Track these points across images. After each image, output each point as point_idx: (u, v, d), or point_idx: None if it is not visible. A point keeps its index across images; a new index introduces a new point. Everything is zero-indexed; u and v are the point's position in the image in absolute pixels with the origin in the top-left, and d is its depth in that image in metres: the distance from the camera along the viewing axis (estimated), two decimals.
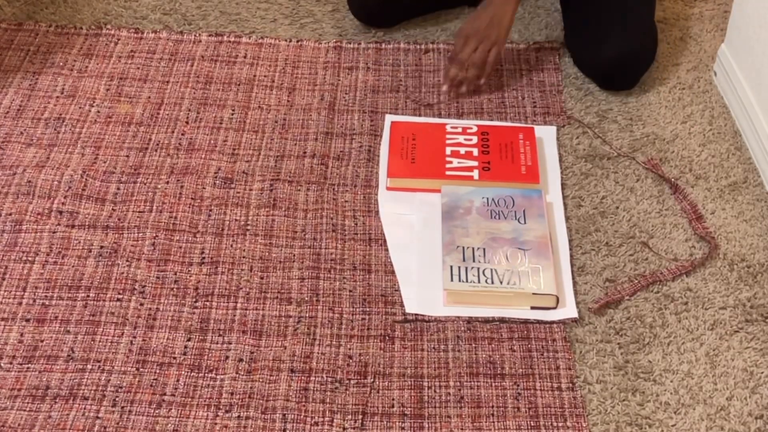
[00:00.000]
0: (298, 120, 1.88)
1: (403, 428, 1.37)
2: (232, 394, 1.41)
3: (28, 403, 1.39)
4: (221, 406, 1.39)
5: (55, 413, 1.38)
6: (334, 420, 1.38)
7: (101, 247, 1.61)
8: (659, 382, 1.43)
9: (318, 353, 1.46)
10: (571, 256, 1.62)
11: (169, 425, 1.37)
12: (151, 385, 1.42)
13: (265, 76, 1.98)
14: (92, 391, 1.41)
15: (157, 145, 1.81)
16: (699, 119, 1.89)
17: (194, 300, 1.54)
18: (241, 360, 1.45)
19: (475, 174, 1.73)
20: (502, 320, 1.51)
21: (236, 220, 1.67)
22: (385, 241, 1.64)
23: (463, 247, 1.58)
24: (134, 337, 1.48)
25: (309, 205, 1.70)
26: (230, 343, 1.48)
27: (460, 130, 1.81)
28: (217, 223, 1.66)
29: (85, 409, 1.38)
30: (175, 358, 1.45)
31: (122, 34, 2.07)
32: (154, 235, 1.63)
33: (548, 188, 1.73)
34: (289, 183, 1.74)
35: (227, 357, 1.46)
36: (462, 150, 1.77)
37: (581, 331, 1.50)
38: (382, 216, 1.68)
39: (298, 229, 1.65)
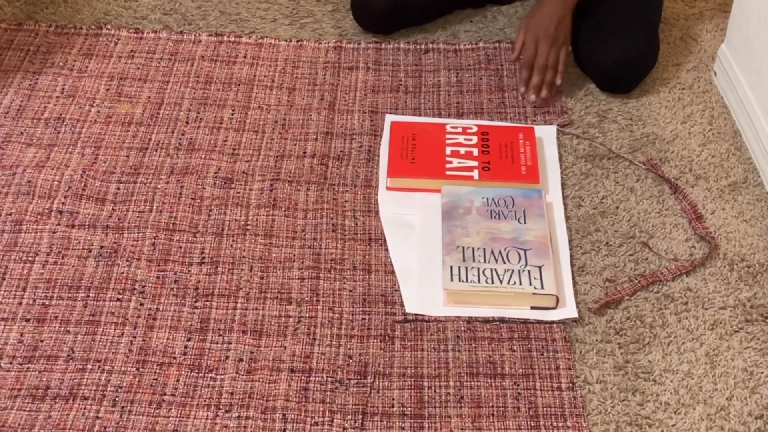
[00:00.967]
0: (298, 120, 1.88)
1: (403, 428, 1.37)
2: (232, 394, 1.41)
3: (28, 403, 1.39)
4: (221, 406, 1.39)
5: (55, 413, 1.38)
6: (334, 420, 1.38)
7: (101, 247, 1.61)
8: (659, 382, 1.43)
9: (318, 353, 1.46)
10: (571, 256, 1.62)
11: (169, 425, 1.37)
12: (151, 385, 1.42)
13: (265, 76, 1.98)
14: (92, 391, 1.41)
15: (157, 145, 1.81)
16: (699, 119, 1.89)
17: (194, 300, 1.54)
18: (241, 360, 1.45)
19: (475, 174, 1.73)
20: (502, 320, 1.51)
21: (236, 220, 1.67)
22: (385, 241, 1.64)
23: (463, 247, 1.58)
24: (134, 337, 1.48)
25: (309, 205, 1.70)
26: (230, 343, 1.48)
27: (460, 130, 1.81)
28: (217, 223, 1.66)
29: (85, 409, 1.38)
30: (175, 358, 1.45)
31: (122, 34, 2.08)
32: (154, 235, 1.63)
33: (548, 188, 1.74)
34: (289, 183, 1.74)
35: (227, 357, 1.46)
36: (462, 150, 1.77)
37: (581, 331, 1.50)
38: (382, 216, 1.68)
39: (298, 229, 1.65)
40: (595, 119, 1.88)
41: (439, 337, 1.49)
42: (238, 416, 1.38)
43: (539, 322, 1.51)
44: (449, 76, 2.00)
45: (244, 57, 2.03)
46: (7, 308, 1.52)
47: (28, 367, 1.43)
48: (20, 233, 1.63)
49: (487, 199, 1.67)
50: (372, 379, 1.43)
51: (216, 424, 1.37)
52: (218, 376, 1.43)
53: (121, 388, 1.41)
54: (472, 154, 1.77)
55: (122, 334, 1.48)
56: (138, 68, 1.99)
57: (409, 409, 1.40)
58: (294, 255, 1.61)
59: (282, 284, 1.56)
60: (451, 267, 1.55)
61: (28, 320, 1.50)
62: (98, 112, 1.88)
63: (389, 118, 1.87)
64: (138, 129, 1.85)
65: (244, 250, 1.61)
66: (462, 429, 1.37)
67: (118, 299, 1.53)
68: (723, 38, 1.98)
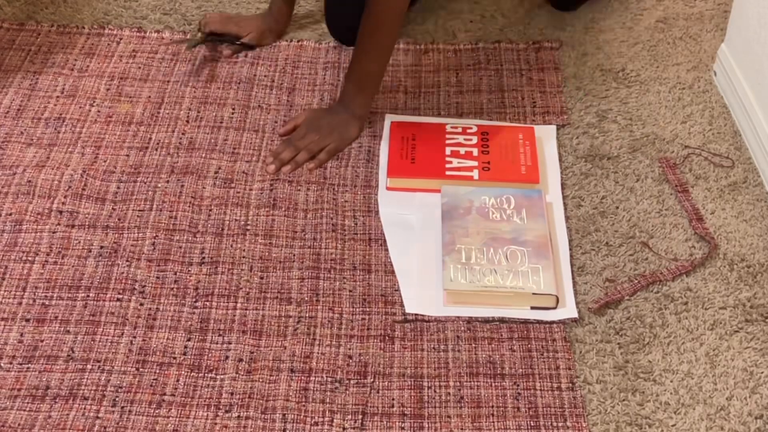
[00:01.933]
0: None
1: (403, 428, 1.37)
2: (232, 394, 1.41)
3: (28, 403, 1.39)
4: (221, 406, 1.39)
5: (55, 413, 1.38)
6: (334, 420, 1.38)
7: (101, 247, 1.61)
8: (659, 382, 1.43)
9: (318, 353, 1.46)
10: (571, 256, 1.62)
11: (169, 425, 1.37)
12: (151, 385, 1.42)
13: (265, 76, 1.98)
14: (92, 391, 1.41)
15: (158, 144, 1.81)
16: (699, 119, 1.89)
17: (194, 300, 1.54)
18: (241, 360, 1.45)
19: (475, 174, 1.73)
20: (502, 320, 1.51)
21: (236, 220, 1.67)
22: (385, 241, 1.64)
23: (463, 247, 1.58)
24: (134, 337, 1.48)
25: (309, 205, 1.70)
26: (230, 343, 1.48)
27: (460, 130, 1.81)
28: (217, 222, 1.66)
29: (85, 409, 1.38)
30: (175, 358, 1.45)
31: (124, 34, 2.08)
32: (154, 234, 1.63)
33: (548, 188, 1.73)
34: (289, 183, 1.74)
35: (227, 357, 1.46)
36: (462, 150, 1.77)
37: (581, 331, 1.50)
38: (382, 216, 1.68)
39: (298, 229, 1.65)
40: (595, 119, 1.88)
41: (439, 337, 1.49)
42: (238, 416, 1.38)
43: (539, 322, 1.51)
44: (449, 76, 2.00)
45: (245, 56, 2.03)
46: (7, 308, 1.52)
47: (28, 367, 1.43)
48: (20, 233, 1.63)
49: (487, 199, 1.67)
50: (372, 379, 1.43)
51: (216, 424, 1.37)
52: (218, 376, 1.43)
53: (121, 388, 1.41)
54: (472, 154, 1.77)
55: (122, 334, 1.48)
56: (139, 68, 1.99)
57: (409, 409, 1.40)
58: (294, 255, 1.61)
59: (282, 284, 1.56)
60: (451, 267, 1.55)
61: (28, 320, 1.50)
62: (98, 111, 1.88)
63: (389, 118, 1.87)
64: (138, 128, 1.85)
65: (244, 250, 1.61)
66: (462, 429, 1.37)
67: (118, 299, 1.53)
68: (723, 38, 1.98)
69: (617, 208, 1.71)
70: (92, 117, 1.87)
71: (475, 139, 1.79)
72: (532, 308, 1.53)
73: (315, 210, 1.69)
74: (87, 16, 2.13)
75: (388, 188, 1.73)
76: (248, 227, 1.65)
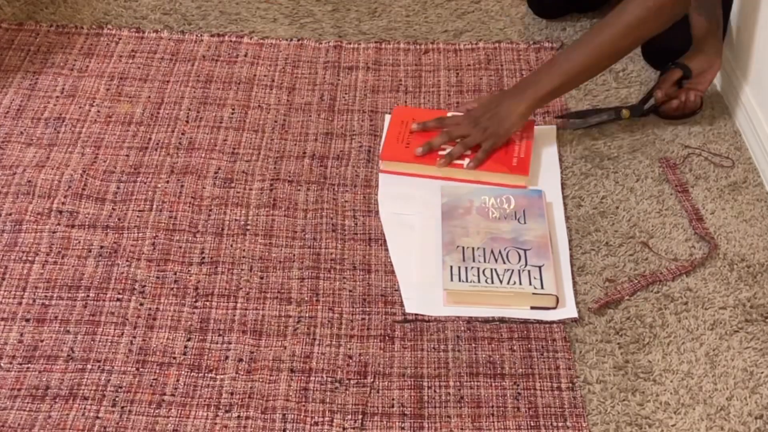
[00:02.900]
0: (298, 120, 1.88)
1: (403, 428, 1.37)
2: (232, 394, 1.41)
3: (28, 403, 1.39)
4: (221, 406, 1.39)
5: (55, 413, 1.38)
6: (334, 420, 1.38)
7: (101, 247, 1.61)
8: (659, 382, 1.43)
9: (318, 353, 1.46)
10: (571, 256, 1.62)
11: (169, 425, 1.37)
12: (151, 385, 1.42)
13: (265, 76, 1.98)
14: (92, 391, 1.40)
15: (157, 144, 1.81)
16: (699, 119, 1.89)
17: (194, 300, 1.54)
18: (241, 360, 1.45)
19: (466, 162, 1.73)
20: (502, 320, 1.51)
21: (236, 220, 1.67)
22: (385, 241, 1.64)
23: (463, 247, 1.58)
24: (134, 337, 1.48)
25: (309, 205, 1.70)
26: (230, 343, 1.47)
27: None
28: (217, 222, 1.66)
29: (85, 409, 1.38)
30: (175, 358, 1.45)
31: (123, 34, 2.08)
32: (154, 234, 1.63)
33: (548, 188, 1.73)
34: (289, 183, 1.74)
35: (227, 357, 1.46)
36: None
37: (581, 331, 1.50)
38: (382, 216, 1.68)
39: (298, 229, 1.65)
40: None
41: (439, 337, 1.49)
42: (238, 416, 1.38)
43: (539, 322, 1.51)
44: (449, 76, 2.00)
45: (245, 56, 2.03)
46: (7, 308, 1.52)
47: (28, 367, 1.43)
48: (20, 233, 1.63)
49: (487, 198, 1.67)
50: (372, 379, 1.43)
51: (216, 424, 1.37)
52: (218, 376, 1.43)
53: (121, 388, 1.41)
54: None
55: (122, 334, 1.48)
56: (138, 68, 1.99)
57: (409, 409, 1.40)
58: (294, 255, 1.61)
59: (282, 284, 1.56)
60: (451, 267, 1.55)
61: (28, 320, 1.50)
62: (98, 111, 1.88)
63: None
64: (138, 128, 1.85)
65: (244, 250, 1.61)
66: (462, 429, 1.37)
67: (118, 299, 1.53)
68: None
69: (617, 208, 1.71)
70: (92, 117, 1.87)
71: None
72: (532, 308, 1.53)
73: (315, 210, 1.69)
74: (87, 16, 2.13)
75: (381, 171, 1.74)
76: (248, 227, 1.65)
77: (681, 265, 1.60)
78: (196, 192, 1.71)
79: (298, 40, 2.08)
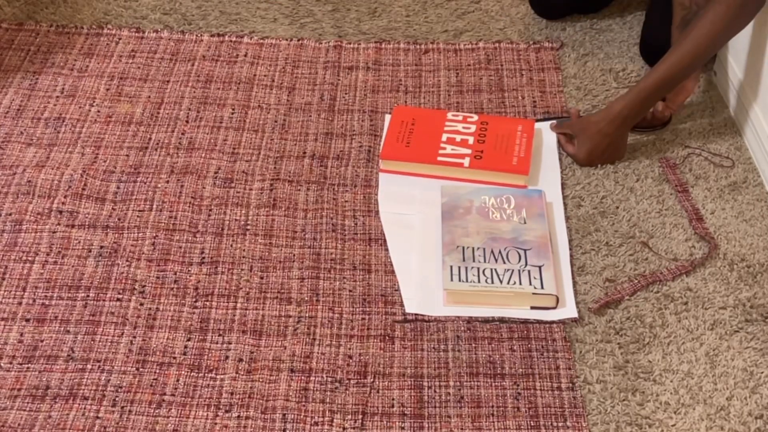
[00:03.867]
0: (298, 120, 1.88)
1: (403, 428, 1.37)
2: (232, 394, 1.41)
3: (28, 403, 1.39)
4: (221, 406, 1.39)
5: (55, 413, 1.38)
6: (334, 420, 1.38)
7: (101, 246, 1.61)
8: (659, 382, 1.43)
9: (318, 353, 1.46)
10: (571, 256, 1.62)
11: (169, 425, 1.37)
12: (151, 385, 1.42)
13: (265, 76, 1.98)
14: (92, 391, 1.41)
15: (157, 144, 1.81)
16: (699, 119, 1.89)
17: (194, 300, 1.54)
18: (241, 360, 1.45)
19: (466, 161, 1.74)
20: (502, 320, 1.51)
21: (236, 219, 1.67)
22: (385, 241, 1.64)
23: (463, 247, 1.58)
24: (134, 337, 1.48)
25: (309, 205, 1.70)
26: (230, 343, 1.47)
27: (460, 118, 1.82)
28: (217, 222, 1.66)
29: (85, 409, 1.38)
30: (175, 358, 1.45)
31: (123, 34, 2.08)
32: (154, 234, 1.63)
33: (548, 188, 1.73)
34: (289, 183, 1.74)
35: (227, 357, 1.46)
36: (458, 138, 1.78)
37: (581, 331, 1.50)
38: (382, 216, 1.68)
39: (298, 229, 1.65)
40: None
41: (439, 337, 1.49)
42: (238, 416, 1.38)
43: (539, 322, 1.51)
44: (449, 76, 2.00)
45: (245, 56, 2.03)
46: (7, 308, 1.52)
47: (28, 367, 1.43)
48: (20, 233, 1.63)
49: (487, 198, 1.67)
50: (372, 379, 1.43)
51: (216, 424, 1.37)
52: (218, 376, 1.43)
53: (121, 388, 1.41)
54: (467, 142, 1.77)
55: (122, 334, 1.48)
56: (138, 68, 1.99)
57: (409, 409, 1.40)
58: (294, 255, 1.61)
59: (282, 284, 1.56)
60: (451, 267, 1.55)
61: (28, 320, 1.50)
62: (98, 111, 1.88)
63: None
64: (138, 128, 1.85)
65: (244, 250, 1.61)
66: (462, 429, 1.37)
67: (118, 299, 1.53)
68: None
69: (617, 208, 1.71)
70: (92, 117, 1.87)
71: (473, 128, 1.80)
72: (532, 308, 1.53)
73: (315, 210, 1.69)
74: (87, 16, 2.13)
75: (381, 170, 1.74)
76: (248, 227, 1.65)
77: (681, 265, 1.60)
78: (196, 192, 1.71)
79: (298, 40, 2.08)
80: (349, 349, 1.47)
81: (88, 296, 1.53)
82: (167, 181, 1.73)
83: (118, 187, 1.72)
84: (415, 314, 1.52)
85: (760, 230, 1.67)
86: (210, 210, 1.68)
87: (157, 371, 1.44)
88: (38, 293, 1.54)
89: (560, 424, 1.38)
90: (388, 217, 1.68)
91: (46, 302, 1.53)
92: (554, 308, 1.53)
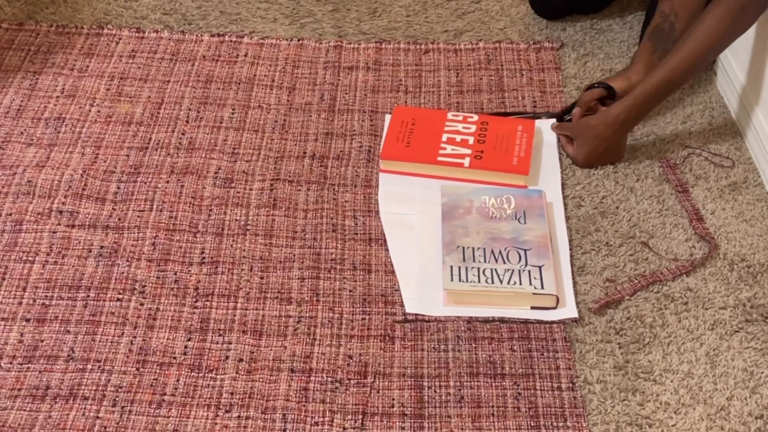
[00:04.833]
0: (298, 120, 1.88)
1: (403, 428, 1.37)
2: (232, 394, 1.41)
3: (28, 403, 1.39)
4: (221, 406, 1.39)
5: (55, 413, 1.38)
6: (334, 420, 1.38)
7: (101, 247, 1.61)
8: (659, 382, 1.43)
9: (318, 353, 1.46)
10: (571, 256, 1.62)
11: (169, 425, 1.37)
12: (151, 385, 1.42)
13: (265, 76, 1.98)
14: (92, 391, 1.40)
15: (158, 144, 1.81)
16: (699, 119, 1.89)
17: (194, 300, 1.54)
18: (241, 360, 1.45)
19: (466, 161, 1.74)
20: (502, 320, 1.51)
21: (236, 219, 1.67)
22: (385, 241, 1.64)
23: (463, 247, 1.58)
24: (134, 337, 1.48)
25: (309, 205, 1.70)
26: (230, 343, 1.47)
27: (460, 118, 1.82)
28: (217, 222, 1.66)
29: (85, 409, 1.38)
30: (175, 358, 1.45)
31: (123, 34, 2.08)
32: (154, 234, 1.63)
33: (548, 188, 1.73)
34: (289, 183, 1.74)
35: (227, 357, 1.46)
36: (458, 138, 1.78)
37: (581, 331, 1.50)
38: (382, 216, 1.68)
39: (298, 229, 1.65)
40: None
41: (439, 337, 1.49)
42: (238, 416, 1.38)
43: (539, 322, 1.51)
44: (449, 76, 2.00)
45: (245, 56, 2.03)
46: (7, 308, 1.52)
47: (28, 367, 1.43)
48: (20, 233, 1.63)
49: (487, 198, 1.67)
50: (372, 379, 1.43)
51: (216, 424, 1.37)
52: (218, 376, 1.43)
53: (121, 388, 1.41)
54: (467, 142, 1.78)
55: (122, 334, 1.48)
56: (139, 68, 1.99)
57: (409, 409, 1.40)
58: (294, 255, 1.61)
59: (282, 284, 1.56)
60: (451, 267, 1.55)
61: (28, 320, 1.50)
62: (98, 111, 1.88)
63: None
64: (138, 128, 1.85)
65: (244, 250, 1.61)
66: (462, 429, 1.37)
67: (118, 299, 1.53)
68: None
69: (617, 208, 1.71)
70: (92, 117, 1.87)
71: (473, 128, 1.80)
72: (532, 308, 1.53)
73: (315, 210, 1.69)
74: (87, 16, 2.13)
75: (381, 170, 1.74)
76: (248, 227, 1.65)
77: (681, 265, 1.60)
78: (196, 192, 1.71)
79: (299, 40, 2.08)
80: (350, 349, 1.47)
81: (88, 296, 1.53)
82: (167, 181, 1.73)
83: (119, 187, 1.72)
84: (415, 314, 1.52)
85: (760, 230, 1.67)
86: (210, 210, 1.68)
87: (158, 371, 1.44)
88: (38, 293, 1.54)
89: (560, 424, 1.38)
90: (389, 217, 1.68)
91: (47, 302, 1.53)
92: (554, 308, 1.53)
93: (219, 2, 2.19)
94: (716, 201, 1.72)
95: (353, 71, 2.00)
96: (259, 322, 1.51)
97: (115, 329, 1.49)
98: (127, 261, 1.59)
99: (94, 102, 1.91)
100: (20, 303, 1.52)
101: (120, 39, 2.06)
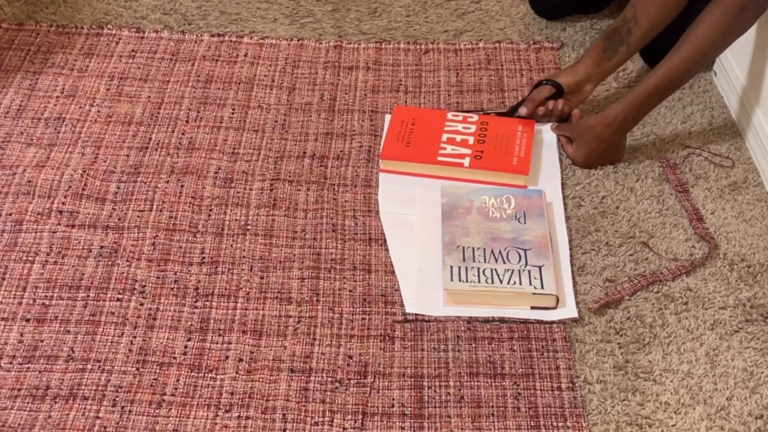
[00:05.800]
0: (298, 120, 1.88)
1: (403, 428, 1.37)
2: (232, 394, 1.41)
3: (28, 403, 1.39)
4: (221, 406, 1.39)
5: (55, 413, 1.38)
6: (334, 420, 1.38)
7: (101, 246, 1.61)
8: (659, 382, 1.43)
9: (318, 353, 1.46)
10: (571, 256, 1.62)
11: (169, 425, 1.37)
12: (151, 385, 1.42)
13: (265, 76, 1.98)
14: (92, 391, 1.40)
15: (158, 144, 1.81)
16: (699, 119, 1.89)
17: (194, 300, 1.54)
18: (241, 360, 1.45)
19: (466, 161, 1.74)
20: (502, 320, 1.51)
21: (236, 219, 1.67)
22: (385, 241, 1.64)
23: (463, 247, 1.58)
24: (134, 337, 1.48)
25: (309, 205, 1.70)
26: (230, 343, 1.47)
27: (460, 118, 1.83)
28: (217, 222, 1.66)
29: (85, 409, 1.38)
30: (175, 358, 1.45)
31: (123, 34, 2.08)
32: (154, 234, 1.63)
33: (548, 188, 1.73)
34: (289, 183, 1.74)
35: (227, 357, 1.46)
36: (458, 138, 1.78)
37: (581, 331, 1.50)
38: (382, 216, 1.68)
39: (298, 229, 1.65)
40: None
41: (439, 337, 1.49)
42: (238, 416, 1.38)
43: (539, 322, 1.51)
44: (449, 76, 2.00)
45: (245, 56, 2.03)
46: (7, 308, 1.52)
47: (28, 367, 1.43)
48: (20, 233, 1.63)
49: (487, 198, 1.67)
50: (372, 379, 1.43)
51: (216, 424, 1.37)
52: (218, 376, 1.43)
53: (121, 388, 1.41)
54: (467, 142, 1.78)
55: (122, 334, 1.48)
56: (139, 68, 1.99)
57: (409, 409, 1.40)
58: (294, 255, 1.61)
59: (282, 284, 1.56)
60: (451, 267, 1.55)
61: (28, 320, 1.50)
62: (98, 111, 1.88)
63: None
64: (138, 128, 1.85)
65: (244, 250, 1.61)
66: (462, 429, 1.37)
67: (118, 299, 1.53)
68: None
69: (617, 208, 1.71)
70: (92, 117, 1.87)
71: (473, 128, 1.80)
72: (532, 308, 1.53)
73: (315, 210, 1.69)
74: (87, 16, 2.13)
75: (381, 170, 1.74)
76: (248, 227, 1.65)
77: (681, 265, 1.60)
78: (196, 192, 1.71)
79: (298, 40, 2.08)
80: (349, 349, 1.47)
81: (88, 296, 1.53)
82: (167, 181, 1.73)
83: (118, 187, 1.72)
84: (415, 314, 1.52)
85: (760, 230, 1.67)
86: (210, 210, 1.68)
87: (157, 371, 1.44)
88: (38, 293, 1.54)
89: (560, 424, 1.38)
90: (388, 217, 1.68)
91: (46, 302, 1.53)
92: (554, 308, 1.53)
93: (219, 2, 2.19)
94: (716, 201, 1.72)
95: (353, 71, 2.00)
96: (259, 322, 1.51)
97: (115, 329, 1.49)
98: (127, 261, 1.59)
99: (94, 102, 1.91)
100: (20, 303, 1.52)
101: (120, 39, 2.06)
